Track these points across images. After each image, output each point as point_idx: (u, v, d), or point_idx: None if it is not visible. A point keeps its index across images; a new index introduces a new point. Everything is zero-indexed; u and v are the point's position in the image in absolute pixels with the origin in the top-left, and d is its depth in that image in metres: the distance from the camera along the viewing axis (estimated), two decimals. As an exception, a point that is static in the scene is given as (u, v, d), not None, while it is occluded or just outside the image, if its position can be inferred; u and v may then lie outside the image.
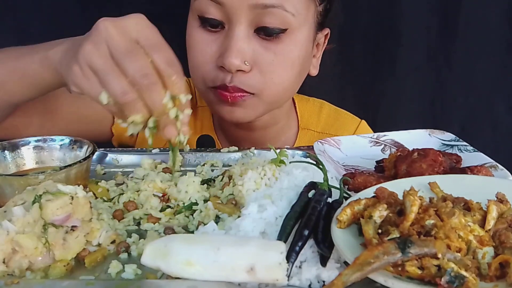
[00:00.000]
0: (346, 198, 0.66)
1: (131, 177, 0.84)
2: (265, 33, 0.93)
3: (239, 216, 0.66)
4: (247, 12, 0.91)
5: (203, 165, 0.91)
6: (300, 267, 0.57)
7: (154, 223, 0.70)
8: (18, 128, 0.97)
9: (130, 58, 0.64)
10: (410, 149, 0.80)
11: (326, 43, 1.10)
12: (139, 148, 0.99)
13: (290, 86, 1.02)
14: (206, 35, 0.96)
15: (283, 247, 0.54)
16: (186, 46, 1.00)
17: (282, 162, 0.79)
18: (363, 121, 1.23)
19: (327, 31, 1.08)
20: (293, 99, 1.21)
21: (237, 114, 0.99)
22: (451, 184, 0.66)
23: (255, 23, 0.93)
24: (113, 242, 0.65)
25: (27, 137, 0.85)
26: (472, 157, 0.84)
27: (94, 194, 0.78)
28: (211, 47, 0.96)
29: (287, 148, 0.93)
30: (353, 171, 0.83)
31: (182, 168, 0.89)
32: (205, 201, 0.75)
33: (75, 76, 0.67)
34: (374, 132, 1.21)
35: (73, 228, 0.62)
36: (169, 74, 0.65)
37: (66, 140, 0.86)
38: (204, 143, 1.07)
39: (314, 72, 1.09)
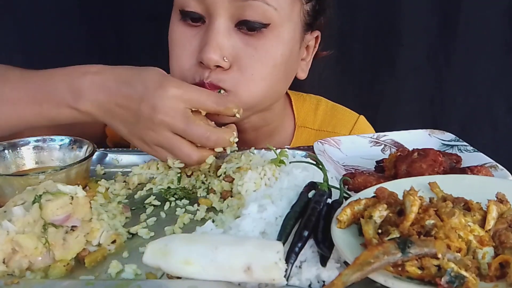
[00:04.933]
0: (346, 198, 0.66)
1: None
2: (246, 27, 0.90)
3: (238, 217, 0.67)
4: (227, 5, 0.88)
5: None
6: (300, 267, 0.57)
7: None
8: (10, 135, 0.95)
9: (191, 131, 0.78)
10: (410, 149, 0.80)
11: (317, 47, 1.07)
12: (138, 148, 0.99)
13: (272, 86, 0.97)
14: (187, 30, 0.94)
15: (280, 247, 0.54)
16: (168, 41, 0.98)
17: (282, 162, 0.79)
18: (361, 116, 1.21)
19: (317, 33, 1.04)
20: (289, 97, 1.19)
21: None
22: (451, 184, 0.66)
23: (236, 17, 0.90)
24: (113, 242, 0.65)
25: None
26: (472, 157, 0.84)
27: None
28: (191, 42, 0.93)
29: (287, 148, 0.93)
30: (353, 171, 0.83)
31: None
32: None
33: (142, 147, 0.83)
34: (374, 130, 1.22)
35: (73, 228, 0.62)
36: (226, 109, 0.81)
37: (66, 140, 0.86)
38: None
39: (303, 75, 1.05)
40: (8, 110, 0.84)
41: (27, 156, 0.85)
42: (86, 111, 0.81)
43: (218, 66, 0.90)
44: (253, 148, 0.93)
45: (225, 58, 0.89)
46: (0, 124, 0.85)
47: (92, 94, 0.80)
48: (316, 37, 1.05)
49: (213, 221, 0.69)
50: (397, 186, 0.63)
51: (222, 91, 0.91)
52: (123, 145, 1.11)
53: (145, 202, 0.78)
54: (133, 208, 0.77)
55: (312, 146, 0.92)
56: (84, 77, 0.81)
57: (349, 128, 1.18)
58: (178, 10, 0.94)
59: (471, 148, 0.89)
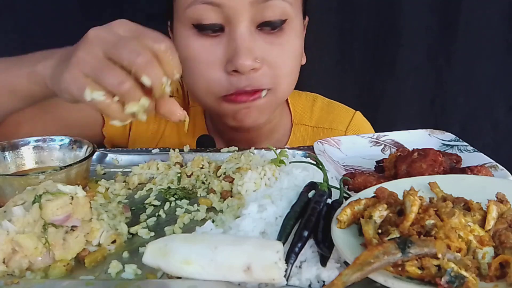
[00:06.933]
0: (346, 198, 0.66)
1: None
2: (268, 27, 0.92)
3: (238, 217, 0.67)
4: (248, 9, 0.89)
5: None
6: (300, 267, 0.57)
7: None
8: (7, 132, 0.95)
9: (122, 44, 0.63)
10: (410, 149, 0.80)
11: (305, 32, 1.08)
12: (139, 148, 0.99)
13: (295, 78, 1.01)
14: (206, 43, 0.92)
15: (279, 247, 0.54)
16: (181, 59, 0.95)
17: (282, 162, 0.79)
18: (357, 112, 1.22)
19: (307, 19, 1.07)
20: None
21: (252, 117, 0.97)
22: (451, 184, 0.66)
23: (257, 19, 0.91)
24: (113, 242, 0.65)
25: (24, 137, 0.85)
26: (472, 157, 0.84)
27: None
28: (214, 54, 0.92)
29: (287, 148, 0.93)
30: (353, 171, 0.83)
31: None
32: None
33: (67, 83, 0.66)
34: (373, 127, 1.22)
35: (73, 228, 0.62)
36: (163, 50, 0.63)
37: (66, 140, 0.86)
38: (204, 143, 1.07)
39: (304, 61, 1.07)
40: None
41: (27, 156, 0.85)
42: (40, 73, 0.76)
43: (251, 69, 0.91)
44: (253, 148, 0.93)
45: (257, 60, 0.91)
46: None
47: (51, 60, 0.75)
48: (305, 23, 1.08)
49: (213, 221, 0.69)
50: (397, 186, 0.63)
51: (264, 92, 0.94)
52: (120, 146, 1.12)
53: (145, 202, 0.78)
54: (133, 208, 0.77)
55: (312, 146, 0.92)
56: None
57: (345, 124, 1.18)
58: (191, 24, 0.92)
59: (471, 148, 0.89)
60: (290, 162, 0.79)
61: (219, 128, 1.14)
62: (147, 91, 0.63)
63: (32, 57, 0.80)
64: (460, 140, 0.92)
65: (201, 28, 0.92)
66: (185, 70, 0.92)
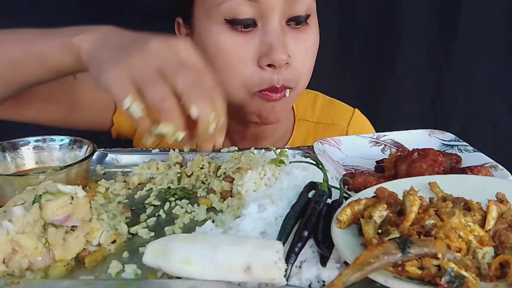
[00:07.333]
0: (346, 198, 0.66)
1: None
2: (295, 22, 0.94)
3: (238, 217, 0.67)
4: (281, 4, 0.91)
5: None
6: (300, 267, 0.57)
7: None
8: (17, 109, 0.96)
9: (182, 72, 0.63)
10: (410, 149, 0.80)
11: None
12: (138, 148, 0.99)
13: (310, 75, 1.02)
14: (238, 37, 0.92)
15: (279, 246, 0.54)
16: (211, 55, 0.94)
17: (282, 162, 0.79)
18: (356, 109, 1.24)
19: None
20: None
21: (278, 114, 0.98)
22: (451, 184, 0.66)
23: (286, 14, 0.92)
24: (113, 242, 0.65)
25: (24, 121, 0.85)
26: (472, 157, 0.84)
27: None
28: (247, 49, 0.92)
29: (287, 148, 0.93)
30: (353, 171, 0.83)
31: None
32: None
33: (110, 80, 0.64)
34: (372, 125, 1.23)
35: (73, 228, 0.62)
36: (217, 95, 0.64)
37: (66, 140, 0.86)
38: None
39: None
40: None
41: (27, 156, 0.85)
42: (77, 44, 0.75)
43: (285, 64, 0.92)
44: (253, 148, 0.93)
45: (289, 55, 0.92)
46: None
47: (90, 34, 0.75)
48: None
49: (213, 221, 0.69)
50: (397, 186, 0.63)
51: (287, 92, 0.95)
52: (127, 136, 1.12)
53: (145, 202, 0.78)
54: (133, 208, 0.77)
55: (312, 145, 0.92)
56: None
57: (347, 120, 1.20)
58: (223, 19, 0.92)
59: (471, 148, 0.88)
60: (290, 162, 0.79)
61: (230, 123, 1.14)
62: (191, 124, 0.63)
63: (66, 30, 0.79)
64: (460, 140, 0.92)
65: (234, 23, 0.92)
66: (217, 66, 0.93)
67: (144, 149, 0.97)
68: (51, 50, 0.79)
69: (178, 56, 0.65)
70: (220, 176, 0.84)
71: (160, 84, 0.62)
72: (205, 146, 0.65)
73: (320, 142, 0.92)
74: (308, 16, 0.95)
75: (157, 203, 0.78)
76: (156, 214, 0.75)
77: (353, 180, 0.75)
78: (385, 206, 0.59)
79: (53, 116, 0.95)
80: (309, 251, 0.59)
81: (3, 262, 0.58)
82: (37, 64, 0.81)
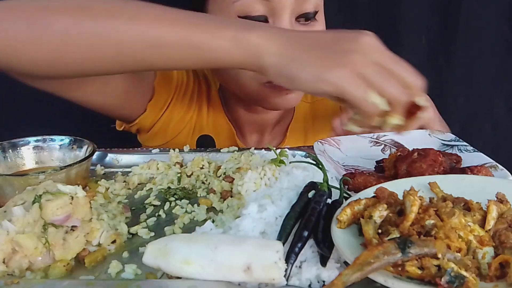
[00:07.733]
0: (346, 198, 0.66)
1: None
2: (304, 19, 0.97)
3: (238, 217, 0.67)
4: (292, 2, 0.94)
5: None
6: (300, 267, 0.57)
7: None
8: (79, 83, 0.89)
9: (399, 64, 0.68)
10: (410, 149, 0.80)
11: None
12: (138, 148, 0.99)
13: None
14: None
15: (279, 246, 0.54)
16: None
17: (282, 162, 0.79)
18: None
19: None
20: None
21: (291, 100, 1.04)
22: (451, 184, 0.66)
23: (296, 11, 0.96)
24: (113, 242, 0.65)
25: (77, 101, 0.86)
26: (472, 157, 0.84)
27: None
28: None
29: (287, 148, 0.93)
30: (353, 171, 0.82)
31: None
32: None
33: (342, 78, 0.66)
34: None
35: (73, 228, 0.62)
36: (419, 89, 0.69)
37: (66, 140, 0.86)
38: (203, 143, 1.07)
39: None
40: (143, 27, 0.72)
41: (27, 156, 0.85)
42: (257, 42, 0.70)
43: None
44: (253, 148, 0.93)
45: None
46: (123, 42, 0.72)
47: (268, 32, 0.72)
48: None
49: (213, 221, 0.69)
50: (397, 186, 0.63)
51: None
52: (141, 128, 1.09)
53: (145, 202, 0.78)
54: (133, 208, 0.77)
55: (312, 146, 0.92)
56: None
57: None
58: (237, 16, 0.95)
59: (471, 148, 0.88)
60: (290, 162, 0.79)
61: (231, 109, 1.18)
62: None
63: (226, 20, 0.79)
64: (460, 140, 0.92)
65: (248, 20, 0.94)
66: None
67: (144, 149, 0.97)
68: (216, 41, 0.72)
69: (387, 51, 0.69)
70: (220, 176, 0.84)
71: (393, 79, 0.67)
72: (411, 128, 0.73)
73: (320, 142, 0.92)
74: (316, 12, 0.98)
75: (157, 203, 0.78)
76: (156, 214, 0.75)
77: (353, 180, 0.75)
78: (385, 206, 0.59)
79: (111, 93, 0.92)
80: (309, 251, 0.59)
81: (3, 262, 0.58)
82: (189, 51, 0.73)
